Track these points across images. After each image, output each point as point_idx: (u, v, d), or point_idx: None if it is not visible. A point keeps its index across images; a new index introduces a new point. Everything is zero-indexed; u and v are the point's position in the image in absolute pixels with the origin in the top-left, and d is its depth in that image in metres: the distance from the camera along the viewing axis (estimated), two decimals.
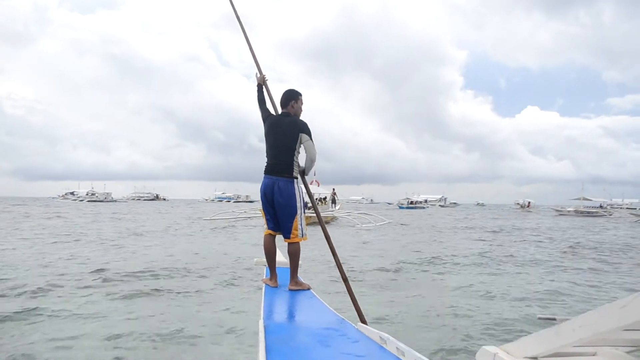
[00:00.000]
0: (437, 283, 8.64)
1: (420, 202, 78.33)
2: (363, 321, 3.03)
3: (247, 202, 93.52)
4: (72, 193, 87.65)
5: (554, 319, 3.77)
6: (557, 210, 55.01)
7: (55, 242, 14.15)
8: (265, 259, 3.70)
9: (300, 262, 3.54)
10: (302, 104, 3.61)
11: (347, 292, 3.39)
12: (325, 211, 28.55)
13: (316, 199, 29.11)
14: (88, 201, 75.25)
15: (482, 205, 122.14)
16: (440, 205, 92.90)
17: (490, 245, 15.99)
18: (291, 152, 3.43)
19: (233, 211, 31.19)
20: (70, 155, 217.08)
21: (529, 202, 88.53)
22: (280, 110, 3.65)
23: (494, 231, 23.56)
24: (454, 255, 12.42)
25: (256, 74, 3.93)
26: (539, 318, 4.31)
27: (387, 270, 9.70)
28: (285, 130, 3.46)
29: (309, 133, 3.47)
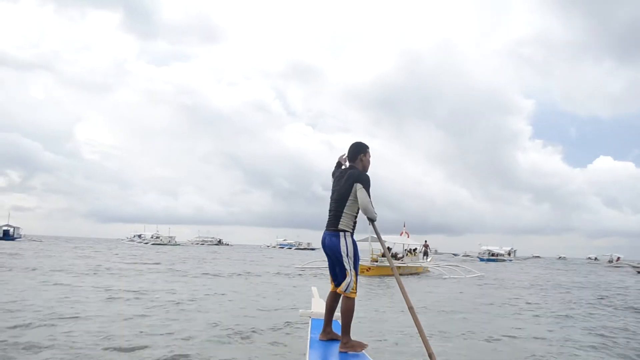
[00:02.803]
0: None
1: (502, 255, 70.98)
2: None
3: (308, 249, 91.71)
4: (139, 236, 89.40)
5: None
6: (634, 267, 47.34)
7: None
8: (312, 310, 4.21)
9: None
10: (370, 157, 3.59)
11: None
12: (414, 262, 28.33)
13: (405, 249, 29.17)
14: (152, 244, 76.11)
15: (564, 259, 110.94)
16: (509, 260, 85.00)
17: None
18: (342, 203, 3.40)
19: (325, 260, 29.83)
20: (140, 199, 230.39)
21: (618, 257, 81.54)
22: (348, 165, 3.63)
23: None
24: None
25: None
26: None
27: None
28: (341, 181, 3.45)
29: (363, 182, 3.38)
